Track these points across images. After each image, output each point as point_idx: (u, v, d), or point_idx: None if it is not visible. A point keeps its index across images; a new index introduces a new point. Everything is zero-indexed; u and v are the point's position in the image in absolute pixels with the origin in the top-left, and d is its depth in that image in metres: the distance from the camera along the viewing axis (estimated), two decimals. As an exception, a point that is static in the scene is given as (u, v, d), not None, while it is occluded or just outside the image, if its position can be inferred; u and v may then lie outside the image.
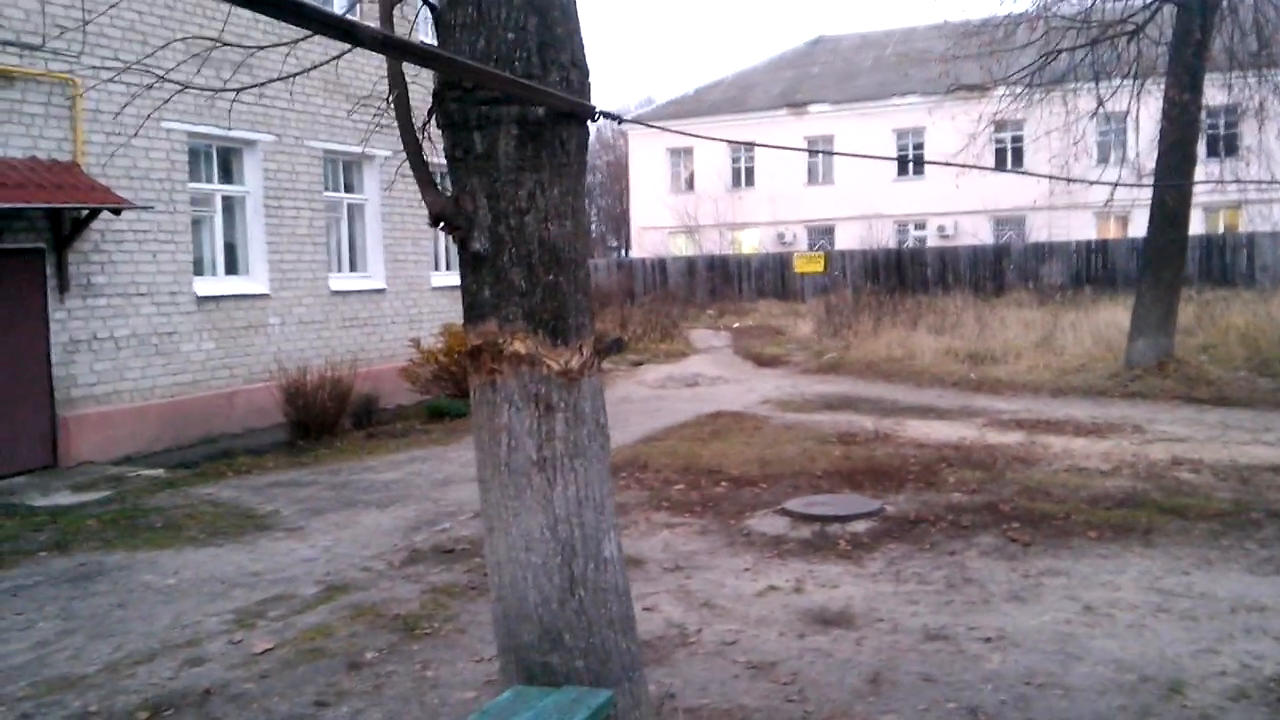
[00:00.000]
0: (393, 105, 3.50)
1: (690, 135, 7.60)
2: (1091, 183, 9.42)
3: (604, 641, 3.83)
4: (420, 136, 3.65)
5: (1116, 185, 10.14)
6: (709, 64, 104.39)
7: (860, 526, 8.07)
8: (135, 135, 11.02)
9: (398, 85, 3.44)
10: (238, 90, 5.03)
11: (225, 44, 4.66)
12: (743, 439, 12.08)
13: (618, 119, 3.92)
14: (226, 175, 14.14)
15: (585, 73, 3.69)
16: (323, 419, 13.35)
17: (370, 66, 14.86)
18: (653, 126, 4.85)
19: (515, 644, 3.82)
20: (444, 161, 3.72)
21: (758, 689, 5.18)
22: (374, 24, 3.24)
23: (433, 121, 3.74)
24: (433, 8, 3.56)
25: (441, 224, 3.62)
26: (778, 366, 20.76)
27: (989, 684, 5.15)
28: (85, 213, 11.52)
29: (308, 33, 3.38)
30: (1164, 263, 15.99)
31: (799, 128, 41.93)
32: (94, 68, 11.76)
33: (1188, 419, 12.76)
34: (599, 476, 3.84)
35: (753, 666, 5.48)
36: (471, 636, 6.13)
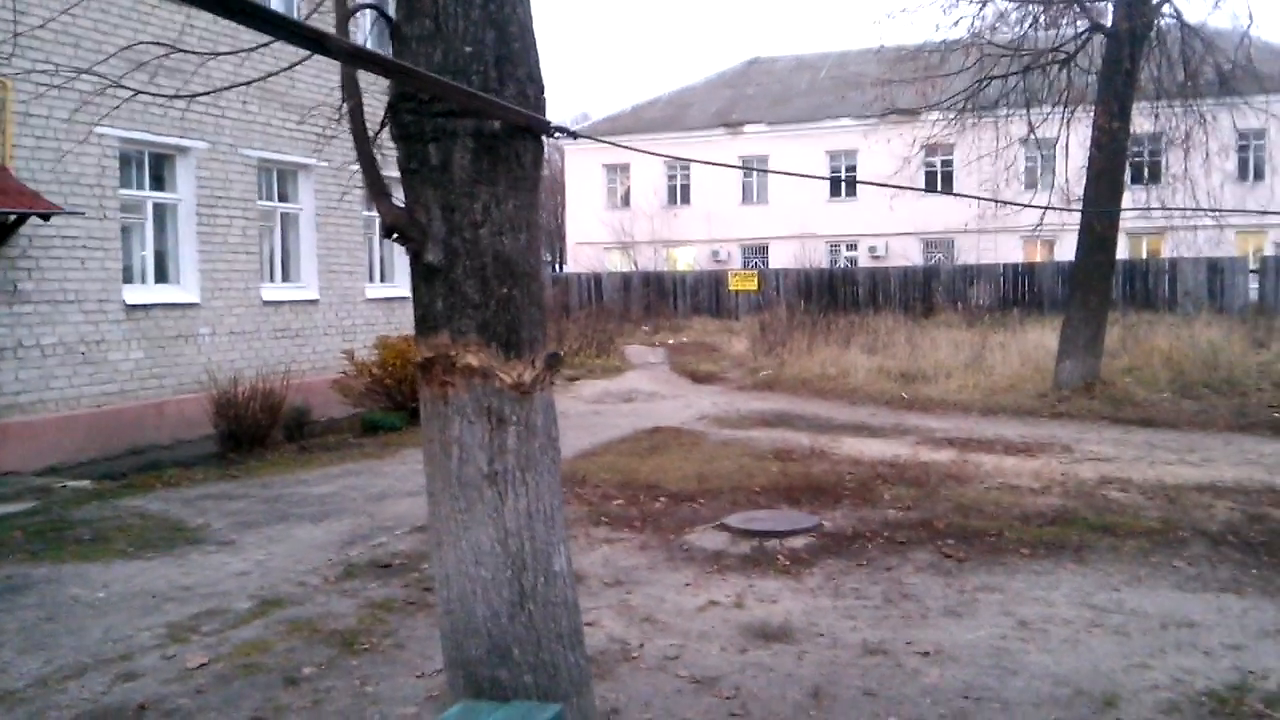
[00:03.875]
0: (347, 115, 3.47)
1: (638, 151, 7.63)
2: (1025, 206, 9.62)
3: (553, 656, 3.82)
4: (371, 148, 3.62)
5: (1048, 209, 10.42)
6: (645, 82, 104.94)
7: (798, 542, 8.14)
8: (83, 140, 10.82)
9: (353, 96, 3.42)
10: (191, 97, 4.93)
11: (181, 50, 4.59)
12: (680, 455, 12.12)
13: (573, 134, 3.93)
14: (158, 182, 13.89)
15: (541, 88, 3.69)
16: (254, 431, 13.13)
17: (308, 75, 14.74)
18: (609, 143, 4.86)
19: (463, 658, 3.79)
20: (395, 173, 3.70)
21: (700, 704, 5.20)
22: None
23: (384, 133, 3.72)
24: (388, 20, 3.54)
25: (394, 235, 3.59)
26: (714, 383, 20.86)
27: (928, 698, 5.22)
28: (13, 218, 11.25)
29: (263, 40, 3.35)
30: (1092, 286, 16.39)
31: (735, 147, 42.33)
32: (26, 71, 11.50)
33: (1114, 439, 13.05)
34: (550, 490, 3.83)
35: (695, 681, 5.49)
36: (411, 652, 6.07)
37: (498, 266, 3.61)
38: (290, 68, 4.88)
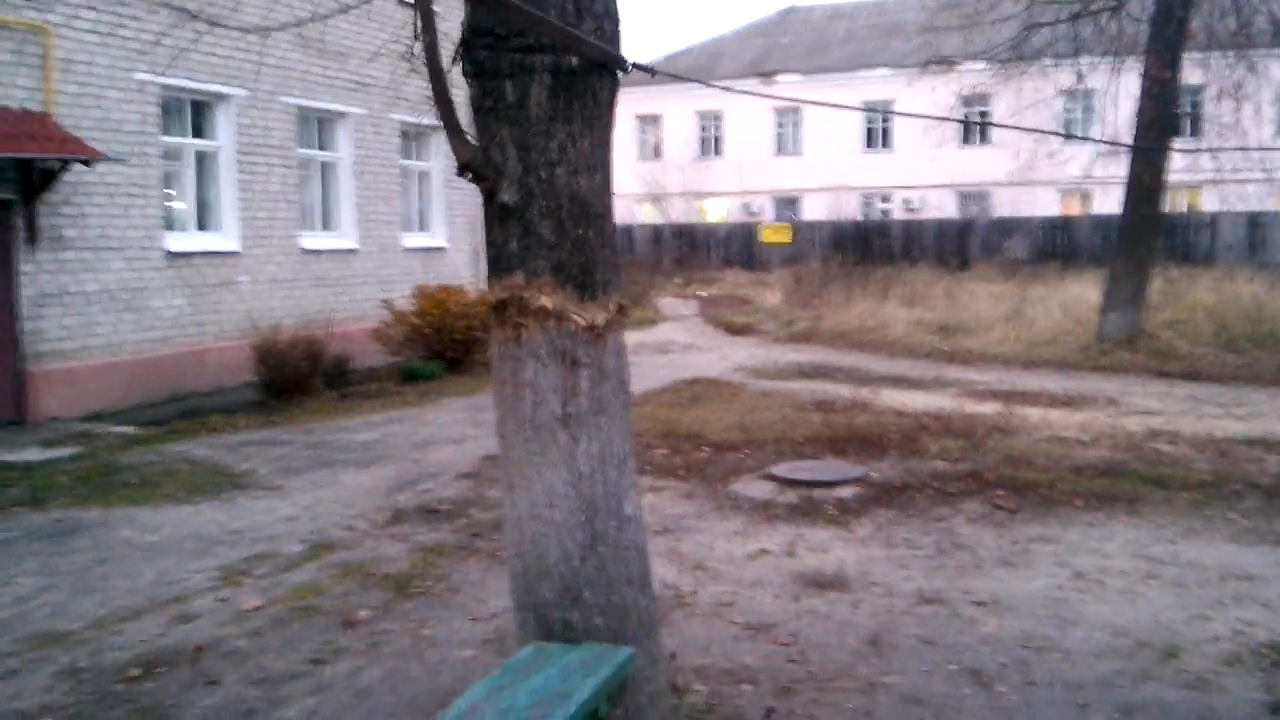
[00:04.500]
0: (419, 53, 3.39)
1: (741, 92, 7.47)
2: (1087, 139, 9.38)
3: (624, 599, 3.82)
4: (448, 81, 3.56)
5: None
6: (679, 32, 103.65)
7: (846, 492, 8.10)
8: (169, 66, 10.65)
9: (429, 31, 3.35)
10: (259, 31, 4.84)
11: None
12: (721, 405, 12.09)
13: (651, 71, 3.86)
14: (199, 130, 13.85)
15: (617, 23, 3.63)
16: (295, 379, 13.18)
17: (346, 23, 14.65)
18: (698, 81, 4.75)
19: (534, 600, 3.79)
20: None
21: (759, 649, 5.20)
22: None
23: (455, 71, 3.65)
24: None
25: (469, 174, 3.54)
26: (749, 335, 20.79)
27: (987, 647, 5.19)
28: (56, 164, 11.25)
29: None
30: (1138, 239, 16.16)
31: (768, 97, 41.82)
32: (66, 17, 11.49)
33: (1160, 392, 12.92)
34: (621, 434, 3.81)
35: (751, 628, 5.49)
36: (464, 596, 6.09)
37: (573, 206, 3.56)
38: (344, 10, 4.78)
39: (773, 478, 8.55)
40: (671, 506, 7.95)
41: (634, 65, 3.63)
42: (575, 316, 3.59)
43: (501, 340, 3.71)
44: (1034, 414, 11.32)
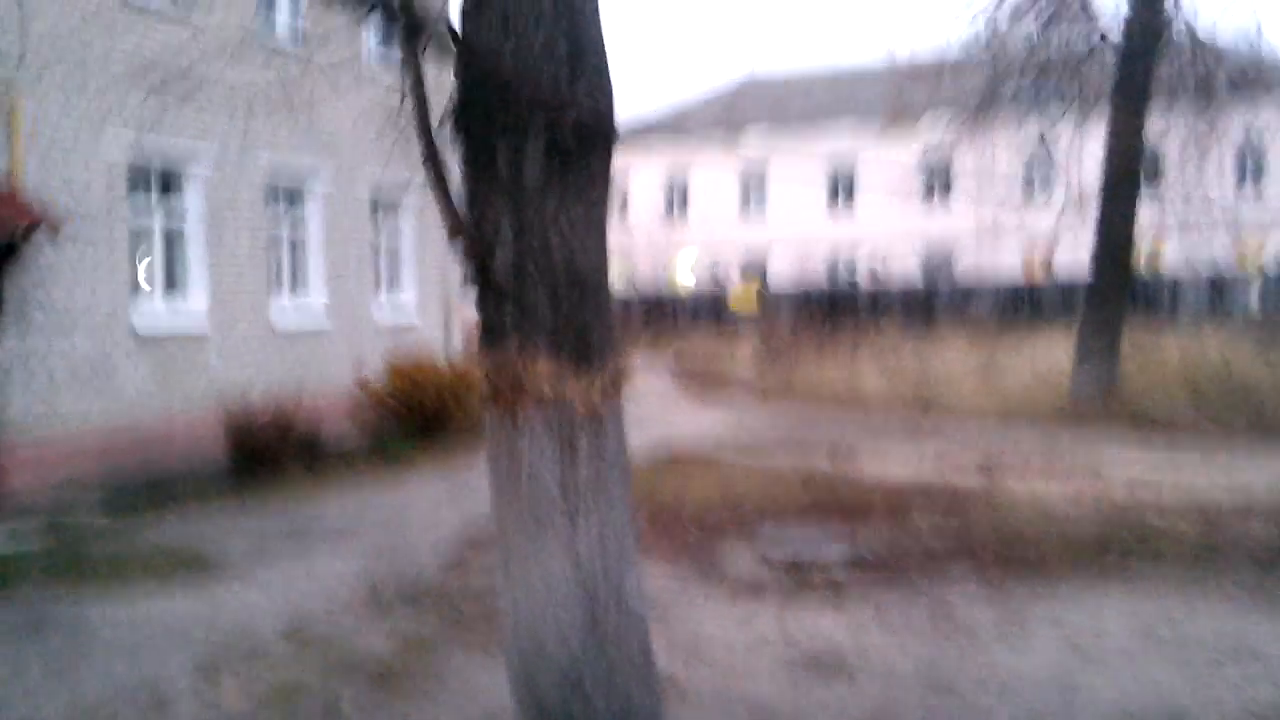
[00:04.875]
0: (412, 116, 3.27)
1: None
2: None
3: (626, 683, 3.63)
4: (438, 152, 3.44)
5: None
6: (645, 102, 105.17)
7: (838, 569, 7.90)
8: (90, 155, 10.55)
9: (417, 94, 3.23)
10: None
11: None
12: (699, 477, 11.87)
13: (644, 134, 3.76)
14: (166, 195, 13.66)
15: (611, 91, 3.52)
16: (266, 453, 12.87)
17: (322, 84, 14.58)
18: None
19: (533, 690, 3.60)
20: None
21: (766, 742, 5.00)
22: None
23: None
24: (452, 30, 3.36)
25: (459, 244, 3.41)
26: (723, 398, 20.68)
27: (996, 728, 5.03)
28: (21, 230, 11.00)
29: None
30: (1108, 296, 16.26)
31: (733, 158, 42.24)
32: (30, 81, 11.34)
33: (1137, 452, 12.87)
34: (622, 514, 3.65)
35: (753, 716, 5.29)
36: (452, 687, 5.85)
37: (568, 277, 3.43)
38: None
39: (760, 553, 8.36)
40: (657, 585, 7.70)
41: (629, 131, 3.52)
42: (571, 391, 3.44)
43: (494, 417, 3.56)
44: (1015, 478, 11.21)
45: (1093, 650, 6.11)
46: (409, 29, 2.39)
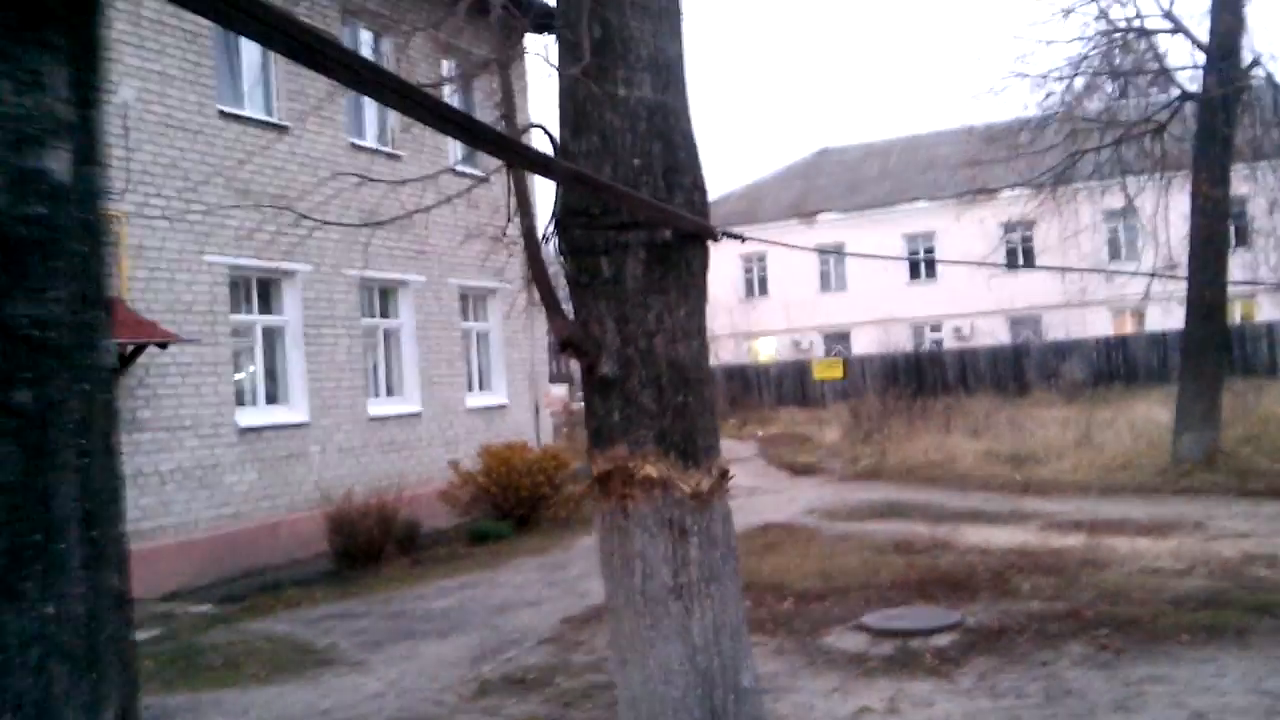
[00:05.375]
0: (521, 235, 3.48)
1: (794, 248, 7.62)
2: (1143, 274, 9.40)
3: (744, 772, 3.68)
4: (544, 266, 3.64)
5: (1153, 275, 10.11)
6: (717, 178, 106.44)
7: (943, 640, 7.84)
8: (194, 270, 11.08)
9: (527, 215, 3.44)
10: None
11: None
12: (797, 551, 11.86)
13: (741, 238, 3.92)
14: (266, 305, 14.24)
15: (705, 194, 3.70)
16: (368, 546, 13.19)
17: (407, 196, 15.10)
18: (771, 243, 4.84)
19: (651, 781, 3.67)
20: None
21: (877, 818, 4.97)
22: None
23: (550, 248, 3.74)
24: (553, 139, 3.58)
25: (568, 349, 3.58)
26: (813, 475, 20.57)
27: (1119, 804, 4.94)
28: (131, 348, 11.57)
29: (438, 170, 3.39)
30: (1204, 356, 15.94)
31: (811, 236, 42.38)
32: (137, 205, 11.97)
33: (1246, 513, 12.53)
34: (734, 601, 3.74)
35: (864, 792, 5.27)
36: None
37: (672, 375, 3.58)
38: (447, 199, 4.92)
39: (864, 628, 8.32)
40: (763, 663, 7.70)
41: (725, 233, 3.68)
42: (681, 484, 3.56)
43: (607, 511, 3.68)
44: (1122, 544, 11.00)
45: (1210, 715, 5.98)
46: (530, 163, 2.58)
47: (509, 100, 3.60)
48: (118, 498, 1.55)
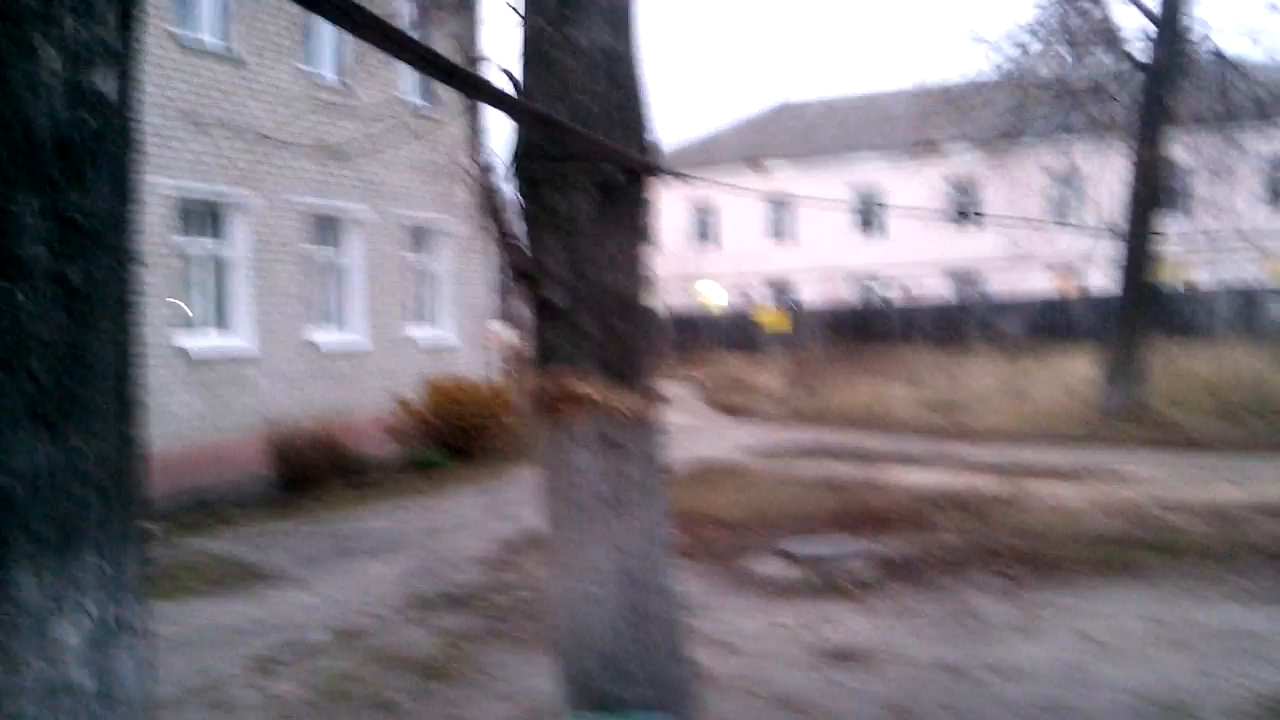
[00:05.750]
0: (475, 166, 3.74)
1: (747, 190, 7.89)
2: (1080, 227, 9.80)
3: (663, 670, 4.03)
4: (497, 200, 3.90)
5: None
6: (679, 127, 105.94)
7: (859, 567, 8.30)
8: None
9: (480, 148, 3.70)
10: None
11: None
12: (730, 487, 12.29)
13: (687, 178, 4.20)
14: (215, 233, 14.24)
15: (654, 137, 3.97)
16: (310, 473, 13.40)
17: (354, 128, 15.17)
18: (718, 184, 5.11)
19: (579, 672, 4.01)
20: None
21: (786, 722, 5.38)
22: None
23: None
24: (514, 80, 3.82)
25: (521, 279, 3.85)
26: (750, 417, 21.06)
27: (1007, 711, 5.40)
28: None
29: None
30: (1135, 315, 16.56)
31: (762, 185, 42.62)
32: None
33: (1161, 463, 13.16)
34: (661, 514, 4.08)
35: (777, 700, 5.68)
36: (494, 678, 6.27)
37: (616, 305, 3.87)
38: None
39: (786, 555, 8.75)
40: (689, 586, 8.08)
41: (671, 173, 3.96)
42: (619, 405, 3.87)
43: (548, 428, 3.99)
44: (1040, 487, 11.55)
45: (1106, 642, 6.48)
46: (491, 98, 2.81)
47: (473, 41, 3.83)
48: (139, 364, 1.87)
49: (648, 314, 4.00)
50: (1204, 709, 5.33)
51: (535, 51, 3.78)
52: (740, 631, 6.96)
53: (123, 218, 1.84)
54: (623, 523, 3.89)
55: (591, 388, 3.80)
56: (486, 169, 3.63)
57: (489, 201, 3.77)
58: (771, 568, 8.50)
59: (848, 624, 7.01)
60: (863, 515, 10.23)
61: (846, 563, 8.41)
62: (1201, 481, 11.75)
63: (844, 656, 6.34)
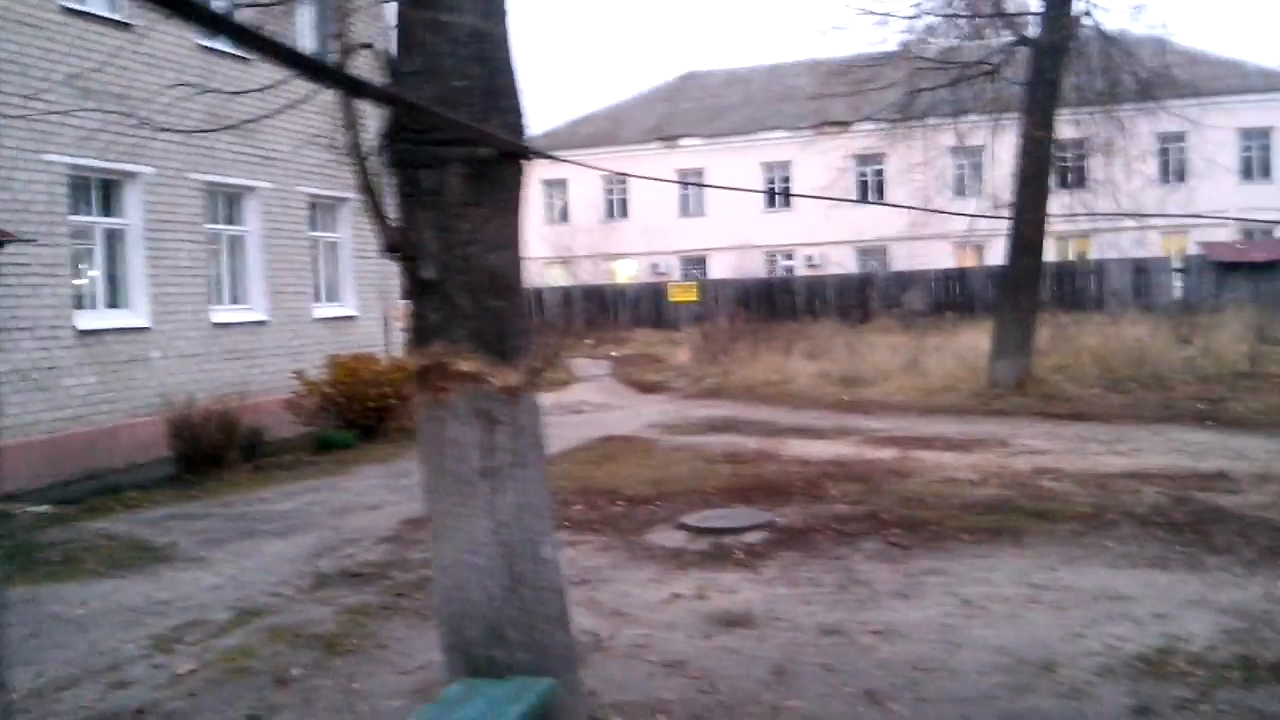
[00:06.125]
0: (347, 146, 3.80)
1: (641, 177, 8.01)
2: (956, 214, 10.20)
3: (543, 636, 4.17)
4: (369, 175, 3.96)
5: (978, 216, 10.96)
6: (582, 98, 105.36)
7: (754, 537, 8.54)
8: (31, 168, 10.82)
9: (352, 128, 3.76)
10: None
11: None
12: (634, 461, 12.49)
13: (552, 158, 4.30)
14: (107, 208, 13.96)
15: (522, 116, 4.07)
16: (210, 452, 13.26)
17: (253, 102, 14.92)
18: (590, 168, 5.21)
19: (460, 640, 4.13)
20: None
21: (673, 684, 5.57)
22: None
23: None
24: (391, 61, 3.89)
25: (393, 253, 3.93)
26: (660, 392, 21.28)
27: (882, 670, 5.64)
28: (-37, 247, 11.32)
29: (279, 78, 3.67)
30: (1021, 288, 17.09)
31: (671, 161, 42.87)
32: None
33: (1047, 433, 13.65)
34: (538, 485, 4.19)
35: (666, 665, 5.86)
36: (392, 651, 6.35)
37: (487, 281, 3.97)
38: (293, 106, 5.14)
39: (684, 527, 8.96)
40: (589, 558, 8.29)
41: (536, 153, 4.06)
42: (492, 379, 3.98)
43: (425, 403, 4.08)
44: (928, 457, 11.94)
45: (978, 602, 6.77)
46: (346, 86, 2.87)
47: (343, 21, 3.89)
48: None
49: (520, 290, 4.10)
50: (1070, 666, 5.61)
51: (406, 32, 3.85)
52: (636, 601, 7.13)
53: None
54: (498, 494, 4.01)
55: (465, 362, 3.90)
56: (355, 145, 3.69)
57: (363, 178, 3.84)
58: (670, 540, 8.69)
59: (739, 592, 7.22)
60: (760, 487, 10.50)
61: (742, 534, 8.64)
62: (1083, 450, 12.24)
63: (733, 622, 6.54)
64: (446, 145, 3.82)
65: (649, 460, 12.56)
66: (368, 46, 3.98)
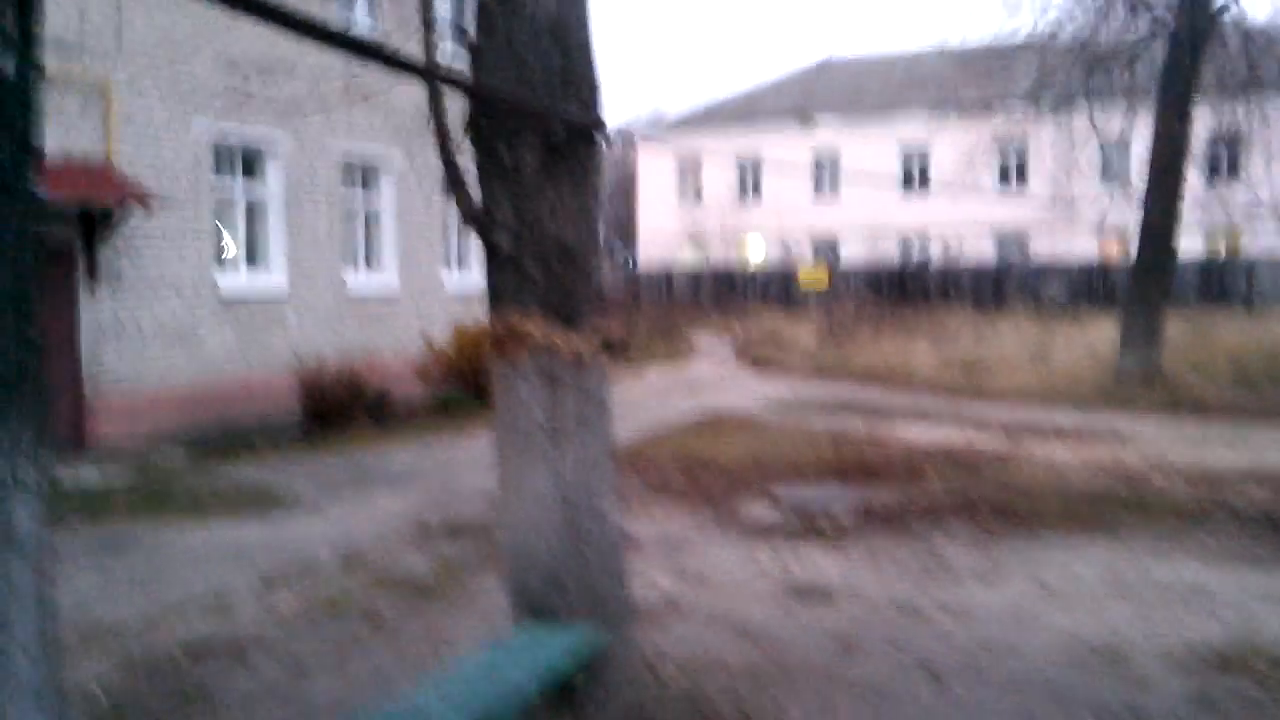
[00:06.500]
0: (433, 132, 4.07)
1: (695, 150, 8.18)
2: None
3: (600, 589, 4.41)
4: (454, 150, 4.23)
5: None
6: (718, 83, 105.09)
7: (844, 515, 8.63)
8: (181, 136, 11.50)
9: (437, 110, 4.03)
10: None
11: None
12: (740, 437, 12.65)
13: (628, 135, 4.50)
14: (250, 175, 14.70)
15: (598, 97, 4.28)
16: (337, 409, 13.92)
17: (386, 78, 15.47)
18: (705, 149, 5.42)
19: (523, 589, 4.40)
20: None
21: (740, 649, 5.75)
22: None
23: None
24: (471, 45, 4.14)
25: (471, 225, 4.20)
26: (778, 370, 21.34)
27: (947, 648, 5.72)
28: (115, 204, 12.08)
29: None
30: (1151, 280, 16.60)
31: (806, 141, 42.55)
32: (130, 73, 12.39)
33: (1167, 428, 13.30)
34: (601, 446, 4.42)
35: (736, 630, 6.04)
36: (480, 603, 6.68)
37: (559, 253, 4.20)
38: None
39: (777, 501, 9.10)
40: (680, 527, 8.52)
41: (609, 134, 4.27)
42: (559, 344, 4.21)
43: (499, 365, 4.35)
44: (1039, 447, 11.77)
45: (1058, 589, 6.76)
46: (431, 76, 3.12)
47: (428, 6, 4.15)
48: (31, 298, 2.31)
49: (590, 262, 4.32)
50: (1137, 655, 5.60)
51: (486, 19, 4.10)
52: (719, 569, 7.32)
53: (23, 170, 2.26)
54: (560, 451, 4.25)
55: (534, 327, 4.14)
56: (439, 122, 3.95)
57: (444, 153, 4.10)
58: (760, 512, 8.84)
59: (818, 563, 7.35)
60: (859, 467, 10.54)
61: (832, 511, 8.74)
62: (1200, 445, 11.90)
63: (807, 593, 6.68)
64: (523, 124, 4.05)
65: (754, 437, 12.70)
66: (458, 27, 4.23)
